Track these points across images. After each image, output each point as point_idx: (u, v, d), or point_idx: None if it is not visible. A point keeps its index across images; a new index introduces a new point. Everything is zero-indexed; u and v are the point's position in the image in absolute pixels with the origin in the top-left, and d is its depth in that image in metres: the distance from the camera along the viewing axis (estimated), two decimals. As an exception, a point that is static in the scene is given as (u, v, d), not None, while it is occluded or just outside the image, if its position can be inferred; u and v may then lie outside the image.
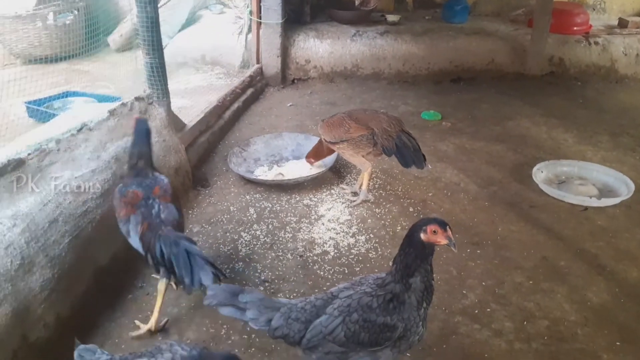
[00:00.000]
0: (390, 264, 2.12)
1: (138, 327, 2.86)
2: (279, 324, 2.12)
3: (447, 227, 2.03)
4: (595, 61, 7.66)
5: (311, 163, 4.59)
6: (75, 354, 2.02)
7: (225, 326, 2.93)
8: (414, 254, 2.03)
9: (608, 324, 2.99)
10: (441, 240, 2.01)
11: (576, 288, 3.29)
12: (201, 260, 2.55)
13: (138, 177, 2.88)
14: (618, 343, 2.86)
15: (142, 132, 3.02)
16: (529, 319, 3.03)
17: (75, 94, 5.71)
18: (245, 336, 2.87)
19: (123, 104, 3.77)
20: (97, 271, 3.03)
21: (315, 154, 4.51)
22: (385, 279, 2.10)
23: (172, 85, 4.44)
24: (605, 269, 3.48)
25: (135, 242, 2.74)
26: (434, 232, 2.01)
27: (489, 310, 3.10)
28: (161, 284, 2.81)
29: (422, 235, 2.01)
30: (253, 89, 6.71)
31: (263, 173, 4.69)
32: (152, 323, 2.83)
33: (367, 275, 2.24)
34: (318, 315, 2.10)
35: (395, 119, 4.02)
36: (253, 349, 2.79)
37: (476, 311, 3.08)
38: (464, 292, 3.25)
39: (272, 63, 7.10)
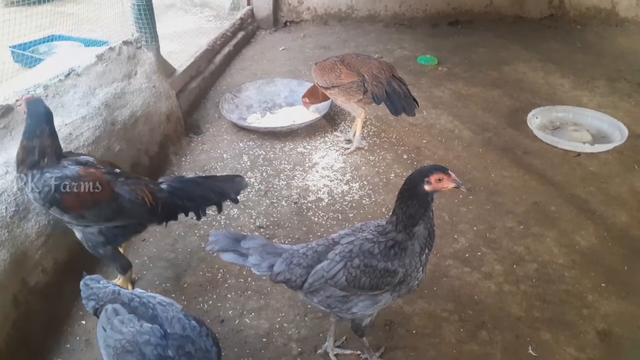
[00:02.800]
0: (390, 215, 2.13)
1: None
2: (281, 269, 2.15)
3: (449, 170, 2.03)
4: (596, 3, 7.45)
5: (307, 105, 4.49)
6: (81, 283, 2.10)
7: (221, 270, 2.99)
8: (417, 205, 2.02)
9: (594, 267, 3.08)
10: (448, 185, 2.00)
11: (565, 232, 3.36)
12: (221, 177, 2.74)
13: (54, 170, 2.36)
14: (603, 284, 2.95)
15: (39, 117, 2.37)
16: (518, 262, 3.11)
17: (60, 37, 5.54)
18: (242, 279, 2.94)
19: (111, 49, 3.67)
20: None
21: (311, 95, 4.42)
22: (385, 228, 2.12)
23: (160, 29, 4.30)
24: (594, 214, 3.54)
25: (136, 210, 2.45)
26: (439, 180, 1.99)
27: (479, 254, 3.17)
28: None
29: (427, 187, 2.00)
30: (244, 32, 6.52)
31: (256, 120, 4.63)
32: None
33: (367, 222, 2.26)
34: (320, 261, 2.13)
35: (386, 65, 3.94)
36: (249, 292, 2.86)
37: (467, 255, 3.15)
38: (455, 236, 3.31)
39: (263, 5, 6.86)
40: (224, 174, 3.00)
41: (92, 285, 2.07)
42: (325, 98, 4.32)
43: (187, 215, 2.61)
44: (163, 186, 2.54)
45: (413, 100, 3.87)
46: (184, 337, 1.80)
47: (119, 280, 2.74)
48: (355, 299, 2.13)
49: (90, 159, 2.48)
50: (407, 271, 2.06)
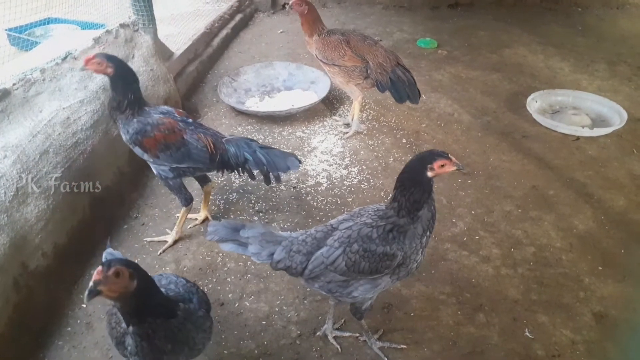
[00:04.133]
0: (389, 200, 2.14)
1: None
2: (281, 257, 2.16)
3: (449, 154, 2.04)
4: (597, -15, 7.38)
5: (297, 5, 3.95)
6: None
7: (220, 254, 3.01)
8: (422, 190, 2.03)
9: (592, 250, 3.10)
10: (450, 168, 2.03)
11: (563, 216, 3.37)
12: (278, 151, 2.89)
13: (140, 117, 2.78)
14: (600, 268, 2.97)
15: (128, 72, 2.78)
16: (516, 246, 3.13)
17: (56, 20, 5.47)
18: (241, 263, 2.95)
19: (108, 31, 3.63)
20: (92, 202, 3.04)
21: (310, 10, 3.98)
22: (386, 212, 2.12)
23: (157, 11, 4.25)
24: (592, 197, 3.55)
25: (201, 156, 2.81)
26: (442, 165, 2.01)
27: (477, 237, 3.19)
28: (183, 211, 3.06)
29: (430, 173, 2.01)
30: (242, 15, 6.45)
31: (254, 104, 4.61)
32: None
33: (365, 206, 2.26)
34: (319, 247, 2.14)
35: (392, 54, 3.88)
36: (249, 275, 2.88)
37: (465, 239, 3.17)
38: (454, 220, 3.32)
39: (261, -14, 6.79)
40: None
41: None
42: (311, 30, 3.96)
43: (240, 173, 2.93)
44: (224, 140, 2.87)
45: (417, 89, 3.83)
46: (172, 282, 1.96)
47: (181, 212, 3.09)
48: (355, 284, 2.15)
49: (171, 109, 2.89)
50: (406, 254, 2.08)
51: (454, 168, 2.02)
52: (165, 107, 2.90)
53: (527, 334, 2.56)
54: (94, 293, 1.48)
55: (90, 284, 1.48)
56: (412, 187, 2.03)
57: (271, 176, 2.87)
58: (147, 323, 1.66)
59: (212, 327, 1.96)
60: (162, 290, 1.81)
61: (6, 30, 4.92)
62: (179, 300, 1.83)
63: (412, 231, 2.07)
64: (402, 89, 3.81)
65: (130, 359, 1.81)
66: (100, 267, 1.52)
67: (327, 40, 3.92)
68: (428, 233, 2.12)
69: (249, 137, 2.89)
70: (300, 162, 2.88)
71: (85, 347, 2.47)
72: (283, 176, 2.88)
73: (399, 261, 2.08)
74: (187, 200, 3.01)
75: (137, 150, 2.82)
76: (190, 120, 2.89)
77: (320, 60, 4.01)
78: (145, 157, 2.83)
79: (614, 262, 3.02)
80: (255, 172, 2.93)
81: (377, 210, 2.16)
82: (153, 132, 2.73)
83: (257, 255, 2.18)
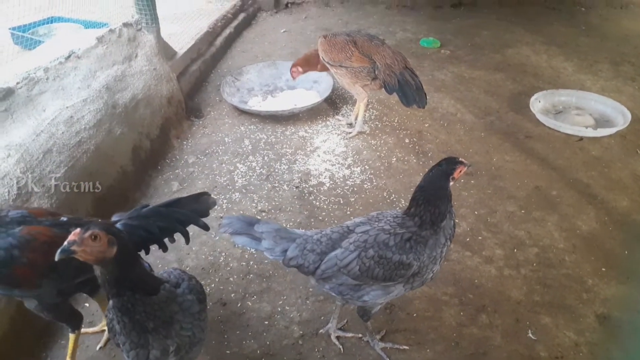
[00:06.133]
0: (406, 211, 2.12)
1: None
2: (294, 255, 2.14)
3: (460, 158, 2.09)
4: (601, -15, 7.36)
5: (296, 74, 4.26)
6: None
7: (223, 254, 3.01)
8: (446, 202, 2.05)
9: (595, 251, 3.09)
10: (464, 170, 2.08)
11: (567, 217, 3.37)
12: (185, 199, 2.23)
13: None
14: (603, 269, 2.97)
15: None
16: (519, 247, 3.12)
17: (60, 19, 5.48)
18: (244, 263, 2.95)
19: (111, 31, 3.64)
20: (95, 201, 3.04)
21: (305, 63, 4.20)
22: (404, 222, 2.10)
23: (160, 10, 4.25)
24: (596, 198, 3.54)
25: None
26: (460, 171, 2.07)
27: (480, 238, 3.18)
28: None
29: (451, 183, 2.05)
30: (245, 14, 6.45)
31: (257, 104, 4.61)
32: None
33: (383, 211, 2.24)
34: (334, 248, 2.13)
35: (400, 55, 3.85)
36: (251, 275, 2.88)
37: (468, 239, 3.17)
38: (457, 220, 3.29)
39: (264, -15, 6.79)
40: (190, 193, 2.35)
41: None
42: (323, 69, 4.14)
43: (147, 252, 2.19)
44: (118, 226, 2.07)
45: (424, 93, 3.81)
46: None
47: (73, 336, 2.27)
48: (367, 288, 2.14)
49: (24, 212, 1.99)
50: (423, 264, 2.07)
51: (466, 169, 2.07)
52: (15, 212, 1.98)
53: (530, 335, 2.56)
54: (67, 252, 1.48)
55: (65, 243, 1.48)
56: (437, 200, 2.04)
57: (199, 226, 2.20)
58: (126, 296, 1.65)
59: (205, 316, 1.94)
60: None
61: (10, 29, 4.93)
62: (165, 281, 1.82)
63: (433, 241, 2.07)
64: (410, 93, 3.76)
65: (120, 343, 1.79)
66: (78, 229, 1.51)
67: (333, 42, 3.88)
68: (449, 242, 2.12)
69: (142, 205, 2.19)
70: (214, 201, 2.26)
71: (88, 347, 2.47)
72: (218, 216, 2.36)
73: (414, 271, 2.07)
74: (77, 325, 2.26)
75: (2, 290, 1.97)
76: (64, 218, 2.05)
77: (327, 63, 3.96)
78: (17, 292, 1.98)
79: (617, 263, 3.01)
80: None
81: (395, 217, 2.15)
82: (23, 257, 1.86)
83: (271, 250, 2.16)
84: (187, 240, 2.22)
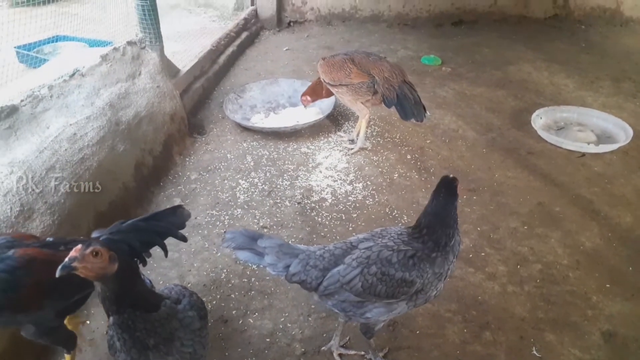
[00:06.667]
0: (413, 232, 2.14)
1: None
2: (296, 270, 2.13)
3: (450, 175, 2.14)
4: (601, 3, 7.44)
5: (306, 103, 4.41)
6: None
7: (225, 270, 3.00)
8: (454, 223, 2.11)
9: (599, 267, 3.07)
10: (459, 186, 2.15)
11: (570, 233, 3.35)
12: (160, 213, 2.20)
13: None
14: (608, 285, 2.94)
15: None
16: (522, 263, 3.10)
17: (65, 38, 5.56)
18: (245, 279, 2.94)
19: (115, 49, 3.68)
20: (96, 218, 3.04)
21: (313, 93, 4.34)
22: (409, 240, 2.11)
23: (164, 29, 4.31)
24: (599, 214, 3.52)
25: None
26: (460, 189, 2.15)
27: (483, 254, 3.16)
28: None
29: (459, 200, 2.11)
30: (248, 33, 6.52)
31: (259, 120, 4.63)
32: None
33: (388, 227, 2.24)
34: (336, 264, 2.11)
35: (398, 68, 3.90)
36: (253, 292, 2.86)
37: (470, 255, 3.15)
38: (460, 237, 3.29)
39: (267, 5, 6.87)
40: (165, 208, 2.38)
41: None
42: (329, 94, 4.26)
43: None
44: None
45: (422, 107, 3.84)
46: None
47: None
48: (370, 305, 2.12)
49: (8, 237, 1.97)
50: (427, 281, 2.06)
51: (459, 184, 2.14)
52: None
53: (535, 352, 2.53)
54: (68, 269, 1.47)
55: (66, 259, 1.47)
56: (452, 222, 2.09)
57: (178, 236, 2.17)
58: (127, 314, 1.64)
59: (206, 333, 1.92)
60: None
61: (15, 47, 4.99)
62: (165, 297, 1.81)
63: (441, 259, 2.08)
64: (408, 106, 3.79)
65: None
66: (79, 245, 1.50)
67: (332, 62, 3.96)
68: (454, 259, 2.13)
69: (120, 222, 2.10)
70: (189, 213, 2.21)
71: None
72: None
73: (418, 288, 2.06)
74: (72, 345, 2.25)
75: (4, 316, 1.89)
76: (50, 239, 2.07)
77: (328, 84, 4.02)
78: (20, 317, 1.95)
79: (621, 279, 2.98)
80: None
81: (400, 234, 2.15)
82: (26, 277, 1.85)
83: (273, 266, 2.14)
84: (166, 253, 2.19)
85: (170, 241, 3.17)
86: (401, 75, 3.86)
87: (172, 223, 2.17)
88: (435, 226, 2.09)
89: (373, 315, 2.15)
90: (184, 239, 2.22)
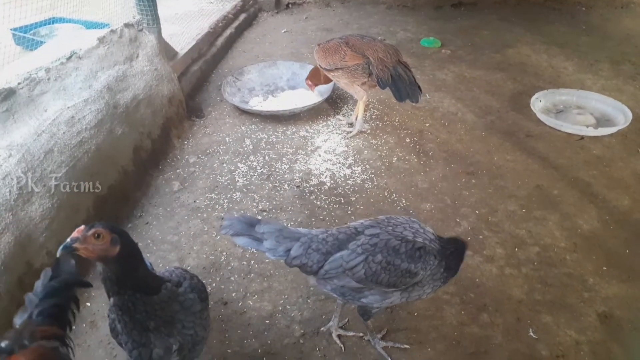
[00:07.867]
0: (443, 252, 2.20)
1: None
2: (298, 253, 2.11)
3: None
4: (602, -15, 7.36)
5: (311, 87, 4.48)
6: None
7: (224, 253, 3.01)
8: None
9: (596, 250, 3.09)
10: None
11: (568, 215, 3.36)
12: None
13: None
14: (605, 268, 2.96)
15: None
16: (520, 246, 3.12)
17: (61, 20, 5.49)
18: (245, 262, 2.96)
19: (112, 31, 3.65)
20: (96, 201, 3.05)
21: (313, 77, 4.40)
22: (429, 237, 2.16)
23: (161, 11, 4.26)
24: (597, 197, 3.54)
25: None
26: None
27: (481, 237, 3.18)
28: None
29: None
30: (246, 14, 6.46)
31: (258, 103, 4.61)
32: None
33: (392, 216, 2.23)
34: (340, 249, 2.09)
35: (392, 49, 3.89)
36: (252, 274, 2.88)
37: (469, 238, 3.16)
38: (458, 220, 3.32)
39: (265, -14, 6.80)
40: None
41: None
42: (327, 80, 4.28)
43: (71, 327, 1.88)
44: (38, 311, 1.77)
45: (418, 87, 3.82)
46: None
47: None
48: (366, 292, 2.14)
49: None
50: (427, 274, 2.08)
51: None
52: None
53: (531, 334, 2.56)
54: (69, 249, 1.49)
55: (68, 239, 1.48)
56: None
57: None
58: (127, 295, 1.65)
59: (207, 315, 1.94)
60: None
61: (11, 29, 4.93)
62: (166, 280, 1.82)
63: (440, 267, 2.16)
64: (403, 87, 3.77)
65: (122, 343, 1.79)
66: (82, 226, 1.51)
67: (327, 47, 3.97)
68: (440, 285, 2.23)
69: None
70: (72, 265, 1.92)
71: (90, 346, 2.48)
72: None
73: (417, 280, 2.07)
74: None
75: None
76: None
77: (324, 69, 4.03)
78: None
79: (618, 262, 3.01)
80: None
81: (412, 225, 2.18)
82: None
83: (273, 251, 2.12)
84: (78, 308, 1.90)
85: (169, 224, 3.21)
86: (395, 55, 3.83)
87: (68, 273, 1.89)
88: (451, 263, 2.20)
89: (368, 302, 2.17)
90: (88, 284, 1.98)
